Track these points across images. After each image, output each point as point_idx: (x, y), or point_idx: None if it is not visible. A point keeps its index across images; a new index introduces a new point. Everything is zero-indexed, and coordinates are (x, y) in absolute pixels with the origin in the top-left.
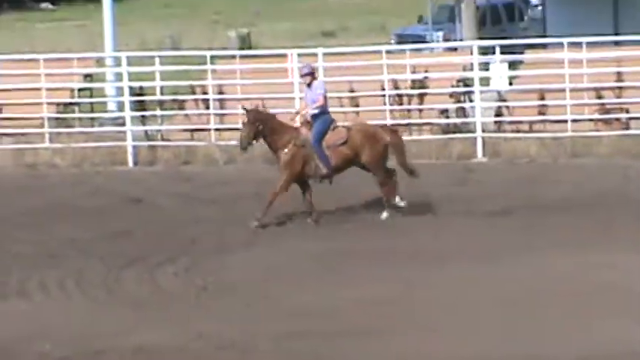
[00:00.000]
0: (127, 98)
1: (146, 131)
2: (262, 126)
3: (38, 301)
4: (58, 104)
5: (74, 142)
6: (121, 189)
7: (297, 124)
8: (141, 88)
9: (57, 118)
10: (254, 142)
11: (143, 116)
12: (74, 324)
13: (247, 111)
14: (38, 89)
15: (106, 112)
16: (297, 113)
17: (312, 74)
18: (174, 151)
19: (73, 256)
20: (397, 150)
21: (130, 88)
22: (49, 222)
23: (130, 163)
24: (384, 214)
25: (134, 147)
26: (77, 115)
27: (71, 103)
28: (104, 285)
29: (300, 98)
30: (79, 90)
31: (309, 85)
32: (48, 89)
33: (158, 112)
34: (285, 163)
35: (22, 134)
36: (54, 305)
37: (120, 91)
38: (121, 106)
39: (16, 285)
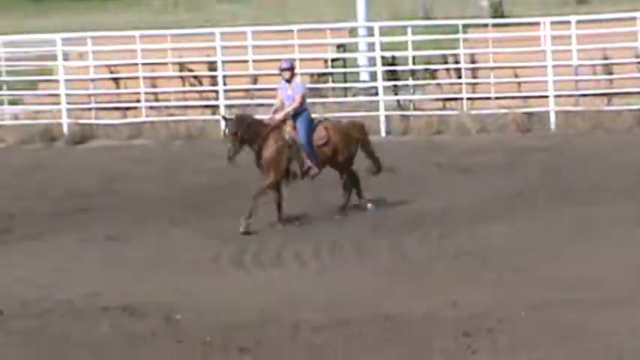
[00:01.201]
0: (379, 68)
1: (398, 101)
2: (245, 134)
3: (294, 270)
4: (312, 75)
5: (328, 112)
6: None
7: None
8: (393, 58)
9: (311, 89)
10: (241, 150)
11: (395, 86)
12: (328, 292)
13: (227, 120)
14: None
15: (358, 82)
16: (275, 112)
17: (292, 69)
18: (427, 120)
19: (327, 225)
20: (364, 146)
21: (383, 58)
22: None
23: (383, 133)
24: (369, 205)
25: (387, 117)
26: (330, 85)
27: (325, 74)
28: (357, 254)
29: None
30: (332, 60)
31: (288, 80)
32: (302, 60)
33: (410, 82)
34: (271, 161)
35: None
36: (309, 274)
37: (372, 61)
38: (373, 76)
39: (272, 254)
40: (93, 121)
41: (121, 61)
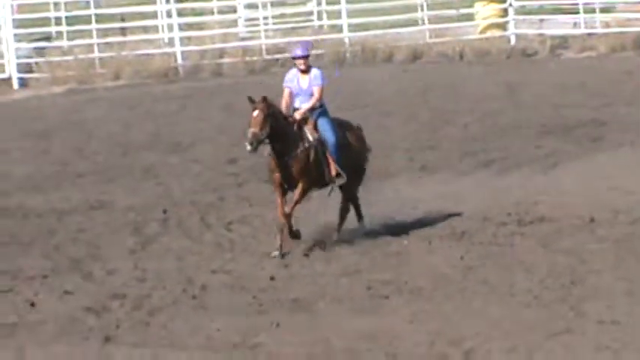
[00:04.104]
0: None
1: None
2: (275, 123)
3: None
4: None
5: None
6: None
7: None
8: None
9: None
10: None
11: None
12: None
13: (254, 102)
14: None
15: None
16: (295, 110)
17: (308, 57)
18: None
19: None
20: None
21: None
22: None
23: None
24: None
25: None
26: None
27: None
28: None
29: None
30: None
31: (304, 71)
32: None
33: None
34: (301, 169)
35: None
36: None
37: None
38: None
39: None
40: None
41: None
